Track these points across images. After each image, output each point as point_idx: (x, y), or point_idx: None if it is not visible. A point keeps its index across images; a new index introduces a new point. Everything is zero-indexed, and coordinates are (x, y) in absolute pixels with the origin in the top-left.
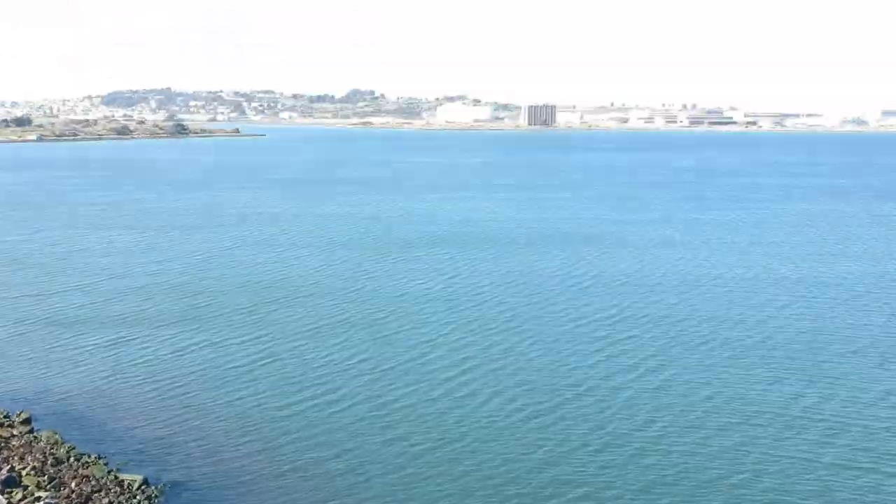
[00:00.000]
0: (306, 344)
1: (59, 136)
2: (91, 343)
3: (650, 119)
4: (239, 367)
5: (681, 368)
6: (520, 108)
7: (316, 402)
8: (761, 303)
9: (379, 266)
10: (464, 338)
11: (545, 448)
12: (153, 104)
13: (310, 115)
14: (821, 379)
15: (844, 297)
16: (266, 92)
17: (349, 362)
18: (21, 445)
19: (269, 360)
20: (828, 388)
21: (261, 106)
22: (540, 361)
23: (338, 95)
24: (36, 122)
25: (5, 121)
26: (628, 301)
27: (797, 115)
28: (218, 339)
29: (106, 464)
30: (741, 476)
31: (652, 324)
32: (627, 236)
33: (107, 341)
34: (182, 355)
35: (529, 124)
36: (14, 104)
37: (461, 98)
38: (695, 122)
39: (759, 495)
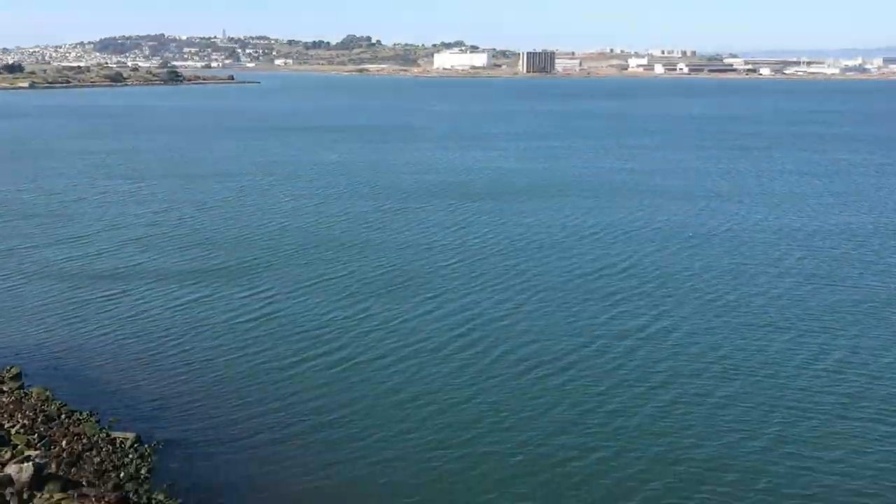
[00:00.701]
0: (308, 299)
1: (52, 84)
2: (85, 297)
3: (650, 66)
4: (238, 322)
5: (698, 324)
6: (518, 54)
7: (319, 359)
8: (778, 255)
9: (386, 217)
10: (472, 291)
11: (557, 408)
12: (146, 51)
13: (305, 62)
14: (843, 334)
15: (866, 249)
16: (261, 38)
17: (352, 318)
18: (10, 402)
19: (270, 315)
20: (852, 342)
21: (255, 52)
22: (551, 317)
23: (333, 42)
24: (28, 69)
25: None
26: (637, 253)
27: (797, 63)
28: (216, 294)
29: (98, 421)
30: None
31: (664, 277)
32: (636, 186)
33: (101, 295)
34: (179, 310)
35: (528, 71)
36: (5, 51)
37: (458, 45)
38: (694, 69)
39: (782, 459)
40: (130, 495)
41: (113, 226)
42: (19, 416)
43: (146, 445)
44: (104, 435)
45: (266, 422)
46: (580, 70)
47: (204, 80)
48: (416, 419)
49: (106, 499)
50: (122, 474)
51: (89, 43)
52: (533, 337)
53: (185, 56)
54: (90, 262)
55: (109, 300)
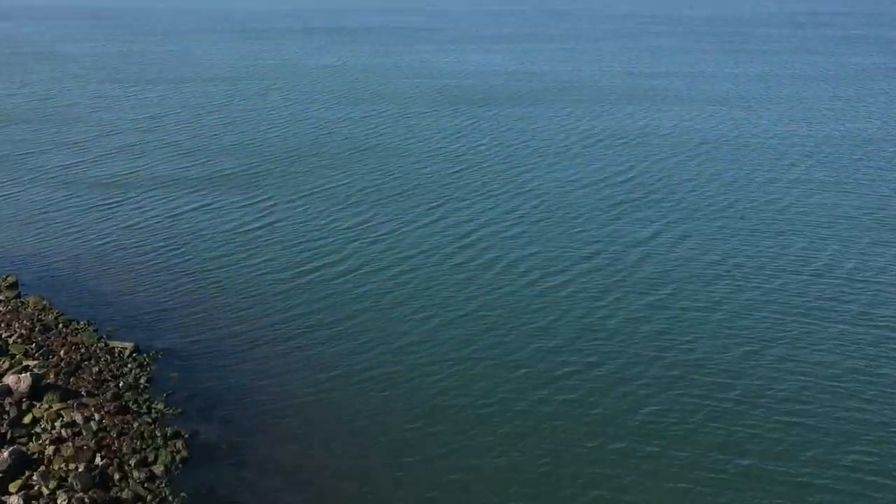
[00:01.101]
0: (310, 207)
1: None
2: (82, 204)
3: None
4: (238, 232)
5: (707, 233)
6: None
7: (321, 270)
8: (789, 163)
9: (388, 124)
10: (476, 200)
11: (564, 320)
12: None
13: None
14: (856, 243)
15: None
16: None
17: (355, 227)
18: (7, 311)
19: (271, 224)
20: (865, 250)
21: None
22: (558, 227)
23: None
24: None
25: None
26: (644, 161)
27: None
28: (216, 202)
29: (96, 330)
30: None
31: (672, 186)
32: (641, 90)
33: (99, 203)
34: (178, 219)
35: None
36: None
37: None
38: None
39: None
40: (130, 405)
41: (109, 131)
42: (16, 325)
43: (145, 355)
44: (102, 345)
45: (266, 332)
46: None
47: None
48: (419, 333)
49: (105, 408)
50: (120, 384)
51: None
52: (538, 248)
53: None
54: (87, 169)
55: (107, 208)
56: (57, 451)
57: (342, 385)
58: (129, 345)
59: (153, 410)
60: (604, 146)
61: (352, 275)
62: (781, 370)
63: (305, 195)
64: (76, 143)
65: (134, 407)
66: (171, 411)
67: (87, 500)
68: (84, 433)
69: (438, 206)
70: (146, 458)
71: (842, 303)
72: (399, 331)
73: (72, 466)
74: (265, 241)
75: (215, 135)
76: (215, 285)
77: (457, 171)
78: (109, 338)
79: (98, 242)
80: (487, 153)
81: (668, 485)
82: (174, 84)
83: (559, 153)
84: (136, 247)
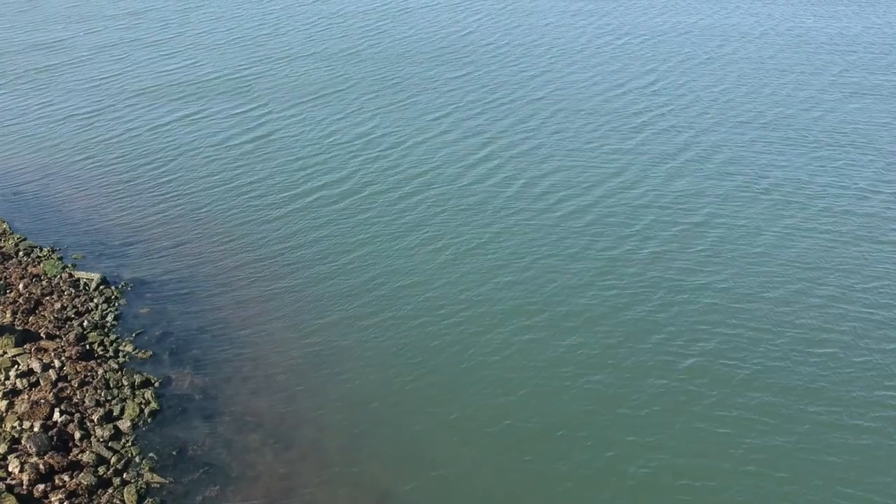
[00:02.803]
0: (304, 116)
1: None
2: (51, 113)
3: None
4: (226, 147)
5: (737, 145)
6: None
7: (314, 193)
8: (820, 64)
9: (387, 21)
10: (486, 108)
11: (577, 251)
12: None
13: None
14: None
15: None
16: None
17: (354, 141)
18: None
19: (263, 138)
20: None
21: None
22: (574, 140)
23: None
24: None
25: None
26: (664, 63)
27: None
28: (202, 112)
29: (60, 258)
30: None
31: (695, 92)
32: None
33: (70, 112)
34: (159, 130)
35: None
36: None
37: None
38: None
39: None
40: (95, 347)
41: (85, 29)
42: None
43: (113, 287)
44: (66, 275)
45: (252, 265)
46: None
47: None
48: (425, 270)
49: (66, 353)
50: (85, 323)
51: None
52: (555, 164)
53: None
54: (59, 72)
55: (79, 118)
56: (10, 406)
57: (335, 330)
58: (95, 276)
59: (120, 354)
60: (619, 46)
61: (351, 199)
62: (838, 304)
63: (301, 102)
64: (50, 42)
65: (99, 350)
66: (140, 354)
67: (42, 466)
68: (42, 383)
69: (445, 115)
70: (111, 411)
71: (871, 218)
72: (403, 267)
73: (26, 425)
74: (255, 157)
75: (201, 32)
76: (196, 209)
77: (463, 76)
78: (75, 267)
79: (68, 159)
80: (495, 55)
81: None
82: None
83: (572, 55)
84: (110, 165)
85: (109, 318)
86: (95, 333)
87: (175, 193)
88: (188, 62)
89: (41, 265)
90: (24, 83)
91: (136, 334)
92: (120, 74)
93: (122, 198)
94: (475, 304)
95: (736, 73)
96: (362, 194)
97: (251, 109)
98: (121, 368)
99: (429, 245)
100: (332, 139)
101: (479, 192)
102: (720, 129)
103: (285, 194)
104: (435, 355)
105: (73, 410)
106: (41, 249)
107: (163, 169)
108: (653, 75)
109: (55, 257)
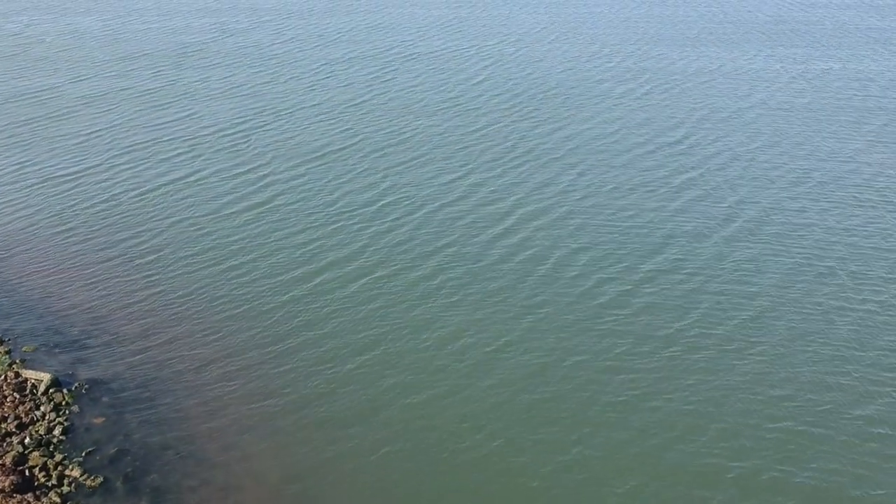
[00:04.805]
0: (303, 178)
1: None
2: (25, 176)
3: None
4: (214, 217)
5: (784, 225)
6: None
7: (312, 278)
8: None
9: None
10: (496, 167)
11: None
12: None
13: None
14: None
15: None
16: None
17: (355, 208)
18: None
19: (254, 205)
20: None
21: None
22: (604, 215)
23: None
24: None
25: None
26: (693, 109)
27: None
28: (192, 175)
29: (8, 352)
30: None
31: (733, 151)
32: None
33: (47, 174)
34: (143, 198)
35: None
36: None
37: None
38: None
39: None
40: (36, 473)
41: (72, 77)
42: None
43: (65, 391)
44: (12, 375)
45: (232, 363)
46: None
47: None
48: (446, 383)
49: (1, 484)
50: (27, 440)
51: None
52: (589, 238)
53: None
54: (42, 126)
55: (58, 181)
56: None
57: (334, 462)
58: (45, 377)
59: (66, 481)
60: (643, 93)
61: (358, 284)
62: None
63: (304, 161)
64: (37, 91)
65: (41, 476)
66: (89, 482)
67: None
68: None
69: (461, 177)
70: None
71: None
72: (416, 381)
73: None
74: (250, 229)
75: (197, 80)
76: (175, 293)
77: (475, 130)
78: (23, 364)
79: (39, 230)
80: (509, 105)
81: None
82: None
83: (591, 103)
84: (86, 236)
85: (57, 431)
86: (38, 454)
87: (153, 273)
88: (182, 114)
89: None
90: (4, 139)
91: (87, 453)
92: (107, 129)
93: (91, 277)
94: (508, 430)
95: (770, 125)
96: (371, 277)
97: (249, 170)
98: (64, 503)
99: (448, 345)
100: (336, 207)
101: (505, 274)
102: (764, 193)
103: (282, 278)
104: (461, 486)
105: None
106: None
107: (143, 243)
108: (682, 129)
109: (2, 350)
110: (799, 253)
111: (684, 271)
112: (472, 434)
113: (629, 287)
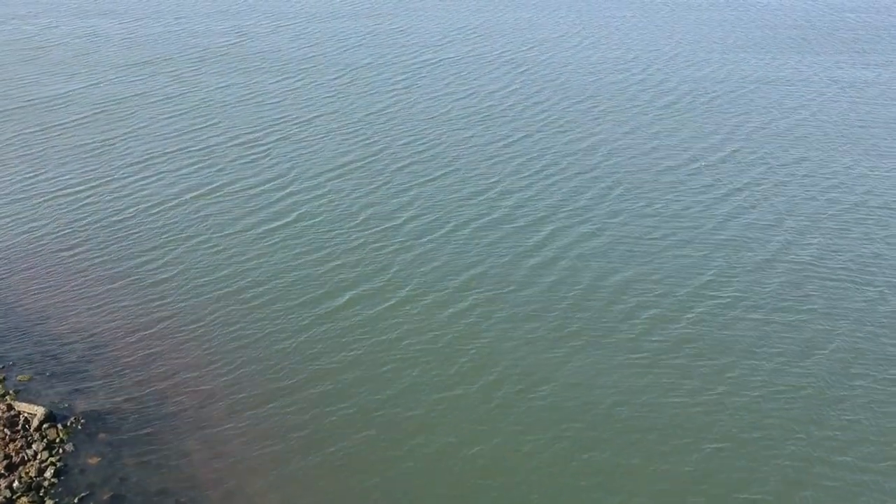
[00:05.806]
0: (324, 190)
1: None
2: (34, 188)
3: None
4: (230, 235)
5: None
6: None
7: (333, 299)
8: None
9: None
10: (520, 180)
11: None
12: None
13: None
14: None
15: None
16: None
17: (379, 227)
18: None
19: (271, 220)
20: None
21: None
22: (635, 244)
23: None
24: None
25: None
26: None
27: None
28: (207, 186)
29: (2, 380)
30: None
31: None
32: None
33: (58, 186)
34: (156, 213)
35: None
36: None
37: None
38: None
39: None
40: None
41: (88, 82)
42: None
43: (59, 426)
44: (4, 408)
45: (242, 397)
46: None
47: None
48: (471, 431)
49: None
50: (16, 483)
51: None
52: (630, 265)
53: None
54: (56, 134)
55: (67, 195)
56: None
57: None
58: (39, 410)
59: None
60: (674, 102)
61: (382, 308)
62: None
63: (324, 172)
64: (52, 97)
65: None
66: None
67: None
68: None
69: (488, 190)
70: None
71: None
72: (438, 421)
73: None
74: (268, 247)
75: (216, 88)
76: (184, 317)
77: (503, 141)
78: (17, 395)
79: (43, 247)
80: (537, 114)
81: None
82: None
83: (623, 111)
84: (92, 255)
85: (49, 473)
86: (27, 499)
87: (160, 296)
88: (200, 122)
89: None
90: (14, 149)
91: (80, 499)
92: (121, 138)
93: (94, 299)
94: (546, 485)
95: (820, 139)
96: (392, 302)
97: (268, 182)
98: None
99: (474, 381)
100: (357, 223)
101: (534, 299)
102: (818, 217)
103: (298, 302)
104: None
105: None
106: None
107: (152, 262)
108: (719, 140)
109: None
110: (846, 276)
111: (725, 297)
112: (502, 485)
113: (667, 313)
